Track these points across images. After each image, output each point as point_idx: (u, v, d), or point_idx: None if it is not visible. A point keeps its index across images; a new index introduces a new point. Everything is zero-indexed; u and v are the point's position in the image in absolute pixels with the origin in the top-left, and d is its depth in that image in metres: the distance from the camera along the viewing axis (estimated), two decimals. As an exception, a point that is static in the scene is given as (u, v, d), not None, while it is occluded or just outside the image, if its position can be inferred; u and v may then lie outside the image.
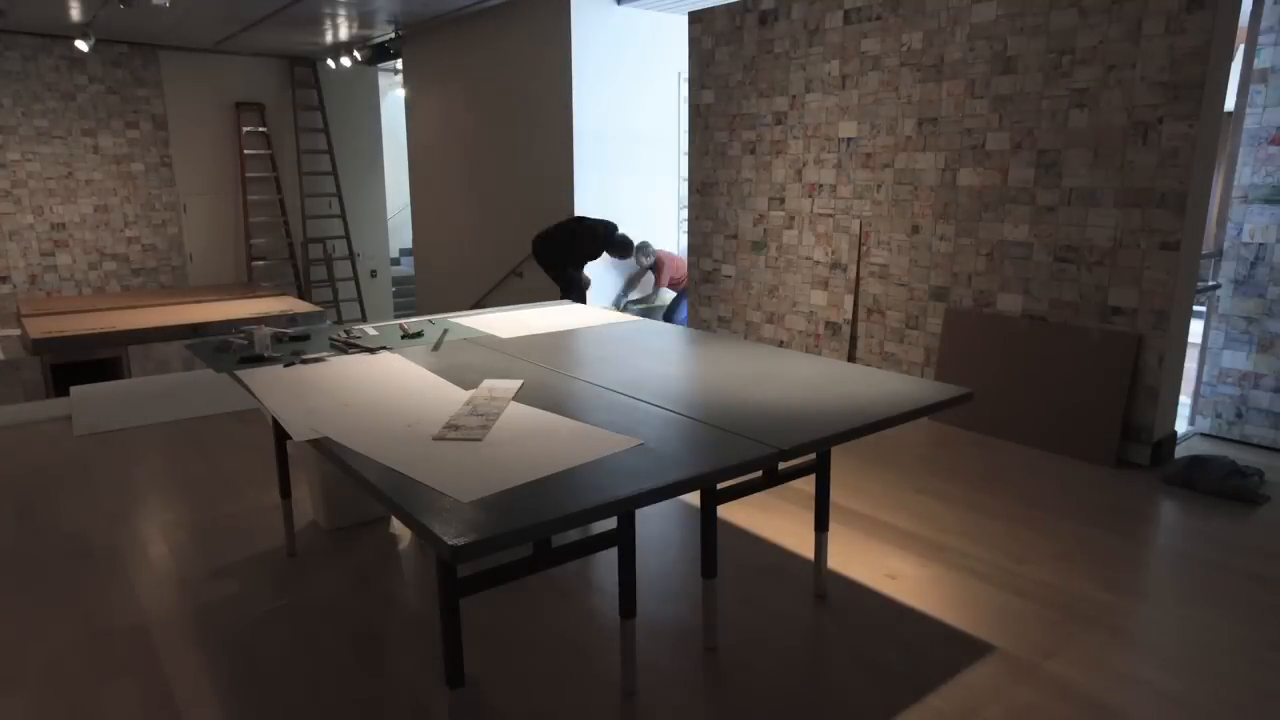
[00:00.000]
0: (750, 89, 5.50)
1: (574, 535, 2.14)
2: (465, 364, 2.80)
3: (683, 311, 6.97)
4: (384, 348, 3.00)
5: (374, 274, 11.19)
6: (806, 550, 3.06)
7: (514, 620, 2.61)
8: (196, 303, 8.17)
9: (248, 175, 10.09)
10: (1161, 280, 3.77)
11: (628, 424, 2.13)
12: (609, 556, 2.90)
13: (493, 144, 7.90)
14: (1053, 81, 4.02)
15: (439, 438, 2.01)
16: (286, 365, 2.73)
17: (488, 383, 2.51)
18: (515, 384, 2.50)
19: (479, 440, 2.00)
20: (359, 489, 2.87)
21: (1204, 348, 4.33)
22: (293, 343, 3.09)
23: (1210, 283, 4.29)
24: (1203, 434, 4.36)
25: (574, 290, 6.43)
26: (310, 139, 10.45)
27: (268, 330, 2.98)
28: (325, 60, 9.84)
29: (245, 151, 10.04)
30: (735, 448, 1.95)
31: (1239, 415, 4.24)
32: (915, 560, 3.00)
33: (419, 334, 3.27)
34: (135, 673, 2.35)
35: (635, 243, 6.85)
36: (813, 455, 2.56)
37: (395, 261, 12.19)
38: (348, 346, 3.00)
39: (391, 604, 2.74)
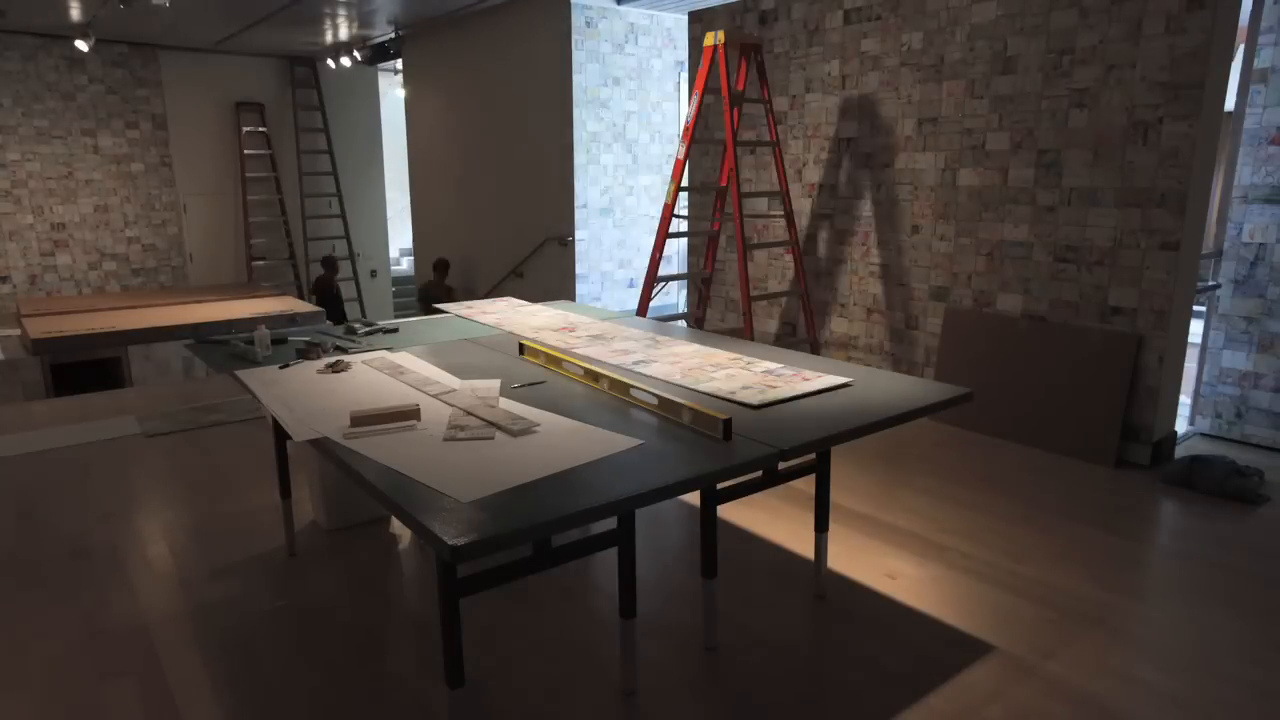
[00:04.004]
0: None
1: (574, 535, 2.14)
2: (466, 364, 2.80)
3: None
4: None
5: (374, 274, 11.19)
6: (806, 550, 3.06)
7: (514, 620, 2.62)
8: (196, 303, 8.17)
9: (248, 175, 10.09)
10: (1161, 280, 3.77)
11: (628, 424, 2.13)
12: (609, 556, 2.90)
13: (493, 144, 7.90)
14: (1053, 81, 4.02)
15: (449, 439, 2.01)
16: (282, 367, 2.73)
17: (469, 383, 2.51)
18: (495, 383, 2.50)
19: (491, 439, 2.00)
20: (359, 489, 2.87)
21: (1204, 348, 4.33)
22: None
23: (1210, 283, 4.29)
24: (1203, 434, 4.36)
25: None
26: (310, 139, 10.45)
27: (267, 331, 2.98)
28: (325, 60, 9.84)
29: (245, 151, 10.03)
30: (735, 448, 1.95)
31: (1239, 415, 4.24)
32: (915, 560, 2.99)
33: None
34: (135, 673, 2.35)
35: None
36: (813, 455, 2.56)
37: (395, 262, 12.18)
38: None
39: (391, 604, 2.74)
